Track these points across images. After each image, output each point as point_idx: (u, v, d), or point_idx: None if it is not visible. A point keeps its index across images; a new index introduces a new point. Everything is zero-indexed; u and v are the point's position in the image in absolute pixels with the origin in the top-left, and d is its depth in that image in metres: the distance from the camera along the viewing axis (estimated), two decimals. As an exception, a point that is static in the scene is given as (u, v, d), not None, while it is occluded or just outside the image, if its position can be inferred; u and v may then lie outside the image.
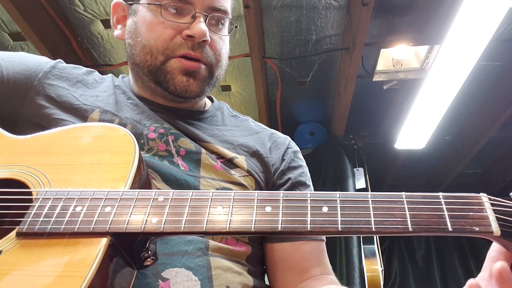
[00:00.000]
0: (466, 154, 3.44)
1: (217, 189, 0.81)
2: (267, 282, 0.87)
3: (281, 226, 0.54)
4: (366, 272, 2.67)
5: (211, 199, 0.58)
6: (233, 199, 0.58)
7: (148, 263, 0.59)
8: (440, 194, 0.55)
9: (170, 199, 0.58)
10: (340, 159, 3.10)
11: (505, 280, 0.49)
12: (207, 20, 0.86)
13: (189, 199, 0.58)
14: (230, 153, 0.87)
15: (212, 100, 1.04)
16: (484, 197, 0.54)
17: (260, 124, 1.04)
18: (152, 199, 0.59)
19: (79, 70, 0.96)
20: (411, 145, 3.06)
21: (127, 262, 0.58)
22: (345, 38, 2.43)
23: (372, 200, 0.55)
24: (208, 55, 0.86)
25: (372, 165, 3.30)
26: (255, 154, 0.91)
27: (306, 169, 0.97)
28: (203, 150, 0.84)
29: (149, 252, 0.58)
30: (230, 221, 0.55)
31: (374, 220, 0.53)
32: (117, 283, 0.56)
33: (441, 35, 2.08)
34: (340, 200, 0.56)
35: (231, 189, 0.82)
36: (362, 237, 2.75)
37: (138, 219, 0.56)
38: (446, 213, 0.53)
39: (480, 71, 2.56)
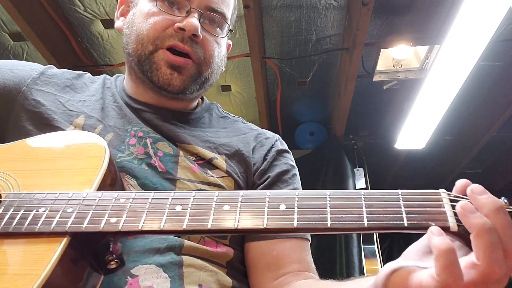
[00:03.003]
0: (466, 154, 3.44)
1: (194, 191, 0.81)
2: None
3: (237, 224, 0.54)
4: (366, 272, 2.66)
5: (172, 198, 0.59)
6: (193, 198, 0.58)
7: (112, 266, 0.59)
8: (399, 190, 0.54)
9: (131, 199, 0.59)
10: (340, 159, 3.09)
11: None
12: (202, 18, 0.87)
13: (150, 199, 0.59)
14: (209, 154, 0.88)
15: (203, 101, 1.04)
16: (443, 193, 0.54)
17: (250, 125, 1.04)
18: (114, 200, 0.60)
19: (69, 74, 0.97)
20: (411, 145, 3.06)
21: (90, 264, 0.59)
22: (345, 38, 2.43)
23: (330, 197, 0.55)
24: (197, 52, 0.87)
25: (372, 165, 3.30)
26: (236, 154, 0.90)
27: (292, 168, 0.96)
28: (181, 153, 0.85)
29: (113, 255, 0.59)
30: (187, 219, 0.56)
31: (330, 217, 0.53)
32: (78, 284, 0.56)
33: (441, 35, 2.08)
34: (298, 198, 0.56)
35: (208, 191, 0.82)
36: (362, 237, 2.74)
37: (97, 219, 0.57)
38: (403, 209, 0.52)
39: (480, 71, 2.56)
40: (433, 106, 2.53)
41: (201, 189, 0.82)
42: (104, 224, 0.56)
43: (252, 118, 3.19)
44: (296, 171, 0.97)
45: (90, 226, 0.56)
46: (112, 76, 1.02)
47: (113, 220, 0.57)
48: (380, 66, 2.47)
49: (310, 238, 0.89)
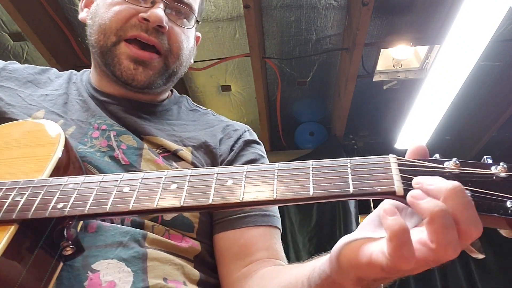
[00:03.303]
0: (466, 154, 3.44)
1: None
2: None
3: (183, 202, 0.53)
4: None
5: (120, 180, 0.58)
6: (142, 179, 0.57)
7: (68, 252, 0.58)
8: (348, 159, 0.53)
9: (80, 184, 0.59)
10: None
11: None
12: (168, 9, 0.85)
13: (99, 182, 0.58)
14: (174, 146, 0.86)
15: (172, 93, 1.03)
16: (392, 158, 0.52)
17: (221, 117, 1.02)
18: (62, 185, 0.59)
19: (31, 69, 0.95)
20: (411, 145, 3.05)
21: (45, 251, 0.58)
22: (345, 38, 2.43)
23: (278, 170, 0.54)
24: (164, 43, 0.85)
25: (372, 165, 3.29)
26: (202, 146, 0.89)
27: (260, 158, 0.94)
28: (145, 146, 0.83)
29: (68, 241, 0.57)
30: (134, 200, 0.55)
31: (276, 189, 0.52)
32: (33, 271, 0.56)
33: (441, 35, 2.08)
34: (246, 172, 0.55)
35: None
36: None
37: (44, 205, 0.56)
38: (350, 176, 0.51)
39: (480, 71, 2.56)
40: (433, 106, 2.53)
41: None
42: (51, 209, 0.56)
43: (252, 118, 3.19)
44: (266, 161, 0.95)
45: (36, 213, 0.56)
46: None
47: (60, 205, 0.56)
48: (380, 66, 2.47)
49: (280, 227, 0.88)
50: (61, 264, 0.60)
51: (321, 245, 2.88)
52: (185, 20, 0.90)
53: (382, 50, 2.35)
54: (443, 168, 0.51)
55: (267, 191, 0.52)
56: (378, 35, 2.40)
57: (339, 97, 2.82)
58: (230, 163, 0.89)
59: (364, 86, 2.76)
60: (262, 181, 0.53)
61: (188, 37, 0.91)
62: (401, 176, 0.49)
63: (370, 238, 0.48)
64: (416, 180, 0.47)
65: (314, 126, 3.36)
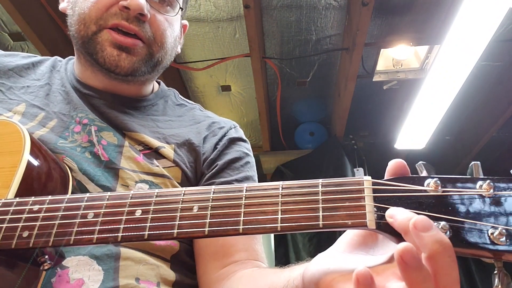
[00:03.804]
0: (466, 154, 3.44)
1: (136, 182, 0.78)
2: None
3: (147, 234, 0.49)
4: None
5: (84, 206, 0.53)
6: (105, 205, 0.53)
7: (46, 267, 0.56)
8: (320, 181, 0.48)
9: (44, 209, 0.54)
10: (340, 159, 3.09)
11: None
12: None
13: (62, 208, 0.54)
14: (157, 143, 0.84)
15: (159, 87, 1.00)
16: (366, 182, 0.47)
17: (208, 112, 1.00)
18: (27, 210, 0.54)
19: (13, 57, 0.93)
20: (411, 145, 3.06)
21: (23, 269, 0.55)
22: (345, 38, 2.42)
23: (246, 196, 0.49)
24: (146, 32, 0.83)
25: (372, 165, 3.30)
26: (186, 144, 0.87)
27: (245, 156, 0.91)
28: (126, 143, 0.82)
29: (45, 257, 0.56)
30: (98, 230, 0.51)
31: (242, 220, 0.47)
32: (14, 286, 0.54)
33: (441, 35, 2.08)
34: (212, 198, 0.50)
35: (153, 182, 0.79)
36: None
37: (10, 234, 0.53)
38: (320, 205, 0.46)
39: (480, 71, 2.56)
40: (433, 106, 2.52)
41: (144, 180, 0.78)
42: (16, 240, 0.52)
43: (252, 118, 3.19)
44: (251, 159, 0.93)
45: (3, 243, 0.52)
46: None
47: (25, 234, 0.52)
48: (380, 66, 2.47)
49: None
50: (44, 272, 0.58)
51: (321, 245, 2.88)
52: (168, 7, 0.88)
53: (382, 50, 2.35)
54: (424, 190, 0.45)
55: (232, 226, 0.47)
56: (378, 35, 2.40)
57: (339, 97, 2.82)
58: (213, 161, 0.87)
59: (364, 86, 2.76)
60: (228, 209, 0.49)
61: (172, 25, 0.89)
62: (375, 206, 0.45)
63: (343, 272, 0.45)
64: (389, 213, 0.43)
65: (314, 126, 3.36)
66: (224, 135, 0.92)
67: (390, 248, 0.47)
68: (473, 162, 0.46)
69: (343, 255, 0.48)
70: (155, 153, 0.83)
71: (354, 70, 2.43)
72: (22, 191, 0.60)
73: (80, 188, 0.73)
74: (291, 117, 3.27)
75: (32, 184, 0.62)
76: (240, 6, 2.17)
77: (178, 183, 0.82)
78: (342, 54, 2.57)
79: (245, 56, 2.48)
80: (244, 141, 0.95)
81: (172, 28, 0.89)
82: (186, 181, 0.84)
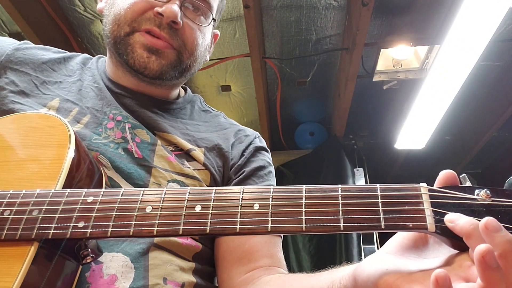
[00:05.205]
0: (466, 154, 3.44)
1: (168, 181, 0.79)
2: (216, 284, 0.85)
3: (209, 228, 0.51)
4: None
5: (140, 199, 0.55)
6: (163, 199, 0.54)
7: (88, 261, 0.57)
8: (378, 186, 0.51)
9: (98, 201, 0.55)
10: (340, 159, 3.09)
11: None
12: (186, 3, 0.85)
13: (118, 201, 0.55)
14: (188, 145, 0.86)
15: (186, 92, 1.02)
16: (423, 188, 0.50)
17: (231, 120, 1.03)
18: (80, 201, 0.55)
19: (45, 51, 0.94)
20: (411, 145, 3.06)
21: (66, 262, 0.56)
22: (345, 38, 2.42)
23: (306, 196, 0.51)
24: (177, 40, 0.84)
25: (372, 165, 3.30)
26: (215, 148, 0.89)
27: (268, 166, 0.94)
28: (158, 142, 0.83)
29: (88, 250, 0.56)
30: (157, 224, 0.52)
31: (305, 219, 0.49)
32: (56, 282, 0.55)
33: (441, 35, 2.08)
34: (273, 197, 0.52)
35: (183, 182, 0.80)
36: (362, 237, 2.75)
37: (65, 224, 0.53)
38: (380, 208, 0.49)
39: (480, 71, 2.56)
40: (433, 106, 2.52)
41: (176, 180, 0.80)
42: (72, 230, 0.53)
43: (252, 118, 3.19)
44: (272, 169, 0.96)
45: (57, 233, 0.53)
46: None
47: (81, 225, 0.53)
48: (380, 66, 2.47)
49: (282, 236, 0.88)
50: (81, 267, 0.60)
51: (321, 245, 2.88)
52: (202, 17, 0.90)
53: (382, 50, 2.35)
54: (475, 199, 0.49)
55: (295, 224, 0.50)
56: (378, 35, 2.40)
57: (339, 97, 2.82)
58: (241, 167, 0.90)
59: (364, 86, 2.76)
60: (290, 208, 0.51)
61: (204, 34, 0.91)
62: (433, 210, 0.48)
63: (403, 273, 0.47)
64: (450, 218, 0.47)
65: (314, 126, 3.36)
66: (250, 143, 0.95)
67: (441, 252, 0.49)
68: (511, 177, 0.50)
69: (398, 257, 0.50)
70: (186, 154, 0.85)
71: (354, 70, 2.43)
72: (67, 183, 0.61)
73: (113, 184, 0.74)
74: (291, 117, 3.27)
75: (74, 177, 0.63)
76: (240, 6, 2.17)
77: (206, 185, 0.84)
78: (342, 54, 2.57)
79: (245, 56, 2.48)
80: (267, 150, 0.99)
81: (204, 37, 0.91)
82: (214, 185, 0.85)
